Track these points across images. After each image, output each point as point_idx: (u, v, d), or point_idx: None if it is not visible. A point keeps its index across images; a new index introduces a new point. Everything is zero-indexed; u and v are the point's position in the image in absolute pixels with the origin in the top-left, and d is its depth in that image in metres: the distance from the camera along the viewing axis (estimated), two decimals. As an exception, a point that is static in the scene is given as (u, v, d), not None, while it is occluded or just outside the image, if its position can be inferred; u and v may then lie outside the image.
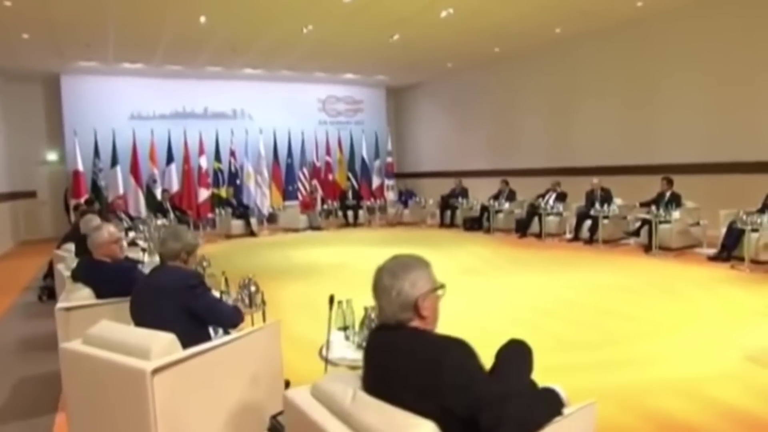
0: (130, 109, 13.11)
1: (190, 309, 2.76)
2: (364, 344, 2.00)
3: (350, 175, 15.06)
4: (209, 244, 10.54)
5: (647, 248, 8.16)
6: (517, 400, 1.59)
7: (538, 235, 9.91)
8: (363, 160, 15.24)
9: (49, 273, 7.09)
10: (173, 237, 2.90)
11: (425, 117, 15.71)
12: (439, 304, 1.82)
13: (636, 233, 8.46)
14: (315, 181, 14.47)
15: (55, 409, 3.47)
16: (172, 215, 10.70)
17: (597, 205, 8.84)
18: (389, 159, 15.59)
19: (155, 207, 11.51)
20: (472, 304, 5.65)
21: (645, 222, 8.29)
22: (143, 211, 12.50)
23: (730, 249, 7.18)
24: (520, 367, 2.00)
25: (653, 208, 7.99)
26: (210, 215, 12.28)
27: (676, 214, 7.82)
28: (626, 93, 10.42)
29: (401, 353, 1.70)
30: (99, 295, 3.67)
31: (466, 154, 14.19)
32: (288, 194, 14.19)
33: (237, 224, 11.96)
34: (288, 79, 14.30)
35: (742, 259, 6.92)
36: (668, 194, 8.45)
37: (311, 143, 14.58)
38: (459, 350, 1.64)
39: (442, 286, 1.82)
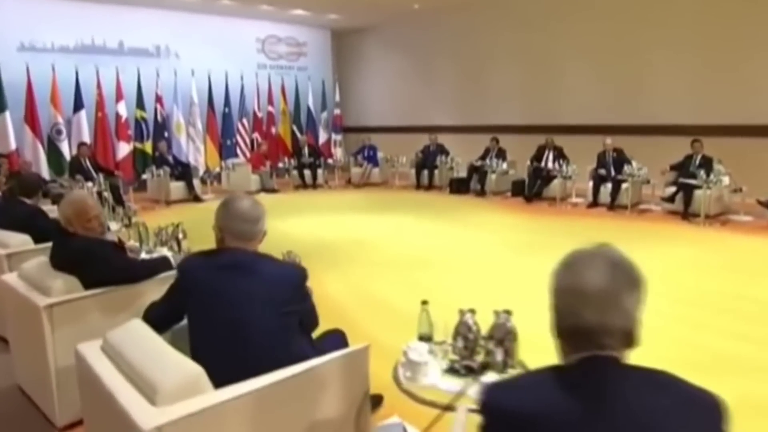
0: (18, 38, 9.75)
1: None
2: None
3: (295, 128, 12.85)
4: (150, 213, 8.13)
5: (684, 215, 7.27)
6: None
7: (544, 199, 8.76)
8: (309, 111, 13.05)
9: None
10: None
11: (376, 65, 13.72)
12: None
13: (671, 199, 7.50)
14: (256, 135, 12.12)
15: None
16: (101, 177, 8.02)
17: (626, 168, 7.77)
18: (337, 111, 13.52)
19: (72, 167, 8.67)
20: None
21: (682, 187, 7.35)
22: (45, 171, 9.51)
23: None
24: None
25: (701, 173, 7.02)
26: (144, 176, 9.57)
27: (725, 179, 6.93)
28: (615, 48, 9.29)
29: None
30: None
31: (428, 107, 12.54)
32: (225, 150, 11.73)
33: (177, 187, 9.48)
34: (222, 12, 11.59)
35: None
36: (698, 157, 7.56)
37: (251, 90, 12.11)
38: None
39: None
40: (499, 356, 1.95)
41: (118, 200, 8.16)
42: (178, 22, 11.29)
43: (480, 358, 2.02)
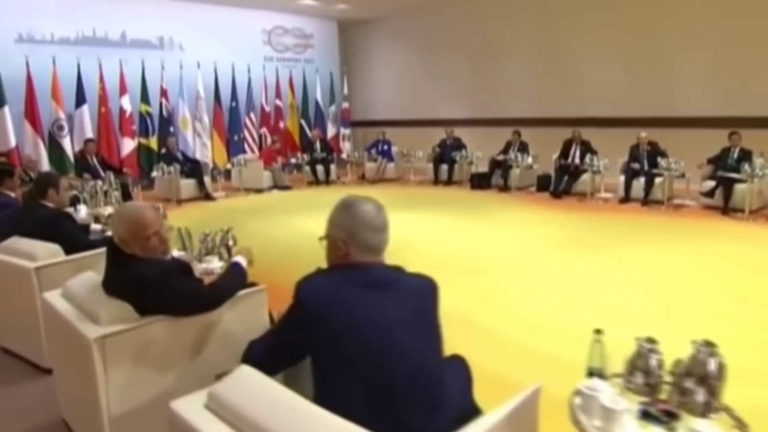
0: (16, 29, 9.18)
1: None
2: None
3: (303, 122, 12.36)
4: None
5: (724, 210, 6.93)
6: None
7: (572, 194, 8.38)
8: (317, 104, 12.56)
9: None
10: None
11: (383, 57, 13.24)
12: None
13: (711, 194, 7.15)
14: (264, 129, 11.63)
15: None
16: (111, 176, 7.48)
17: (662, 162, 7.41)
18: (345, 104, 13.04)
19: (79, 164, 8.16)
20: (654, 295, 3.96)
21: (722, 180, 7.01)
22: (46, 168, 8.95)
23: None
24: None
25: (746, 166, 6.68)
26: (153, 174, 9.04)
27: (772, 172, 6.59)
28: (640, 35, 8.87)
29: None
30: None
31: (438, 100, 12.11)
32: (233, 146, 11.22)
33: (187, 185, 8.99)
34: (227, 2, 11.08)
35: None
36: (737, 150, 7.23)
37: (258, 83, 11.60)
38: None
39: None
40: (701, 397, 1.56)
41: (128, 200, 7.66)
42: (182, 13, 10.76)
43: (664, 397, 1.63)
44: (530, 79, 10.49)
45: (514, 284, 4.44)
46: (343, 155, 11.42)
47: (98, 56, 9.63)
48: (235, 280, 2.47)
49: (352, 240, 1.61)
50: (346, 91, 12.98)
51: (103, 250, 3.35)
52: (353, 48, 13.66)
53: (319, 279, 1.62)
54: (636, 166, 7.88)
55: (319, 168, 10.45)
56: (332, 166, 10.57)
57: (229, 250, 3.36)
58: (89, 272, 2.53)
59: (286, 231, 6.55)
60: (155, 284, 2.12)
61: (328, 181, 10.40)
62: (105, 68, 9.64)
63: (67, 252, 3.36)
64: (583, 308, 3.79)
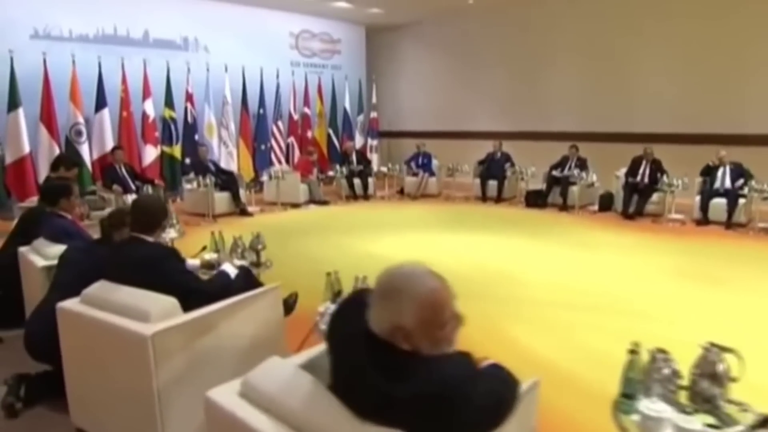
0: (31, 23, 8.17)
1: None
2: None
3: (331, 131, 11.50)
4: (200, 230, 6.68)
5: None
6: None
7: (643, 215, 7.67)
8: (345, 113, 11.72)
9: None
10: None
11: (412, 65, 12.45)
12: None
13: (810, 218, 6.53)
14: (291, 138, 10.75)
15: None
16: (149, 188, 6.53)
17: (754, 183, 6.76)
18: (373, 114, 12.20)
19: (107, 175, 7.16)
20: None
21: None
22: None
23: None
24: None
25: None
26: (188, 186, 8.04)
27: None
28: (704, 44, 8.28)
29: None
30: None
31: (472, 112, 11.36)
32: (259, 155, 10.31)
33: (221, 198, 8.05)
34: (254, 2, 10.22)
35: None
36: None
37: (286, 89, 10.72)
38: None
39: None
40: None
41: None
42: (206, 12, 9.88)
43: None
44: (579, 90, 9.81)
45: (702, 337, 3.64)
46: (384, 169, 10.45)
47: (120, 56, 8.67)
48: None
49: None
50: (374, 99, 12.15)
51: (230, 301, 2.53)
52: (381, 55, 12.84)
53: None
54: (716, 186, 7.21)
55: (356, 181, 9.58)
56: (370, 180, 9.71)
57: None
58: (276, 359, 1.66)
59: (349, 254, 5.65)
60: (467, 400, 1.28)
61: (366, 196, 9.54)
62: (127, 69, 8.68)
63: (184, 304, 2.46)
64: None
